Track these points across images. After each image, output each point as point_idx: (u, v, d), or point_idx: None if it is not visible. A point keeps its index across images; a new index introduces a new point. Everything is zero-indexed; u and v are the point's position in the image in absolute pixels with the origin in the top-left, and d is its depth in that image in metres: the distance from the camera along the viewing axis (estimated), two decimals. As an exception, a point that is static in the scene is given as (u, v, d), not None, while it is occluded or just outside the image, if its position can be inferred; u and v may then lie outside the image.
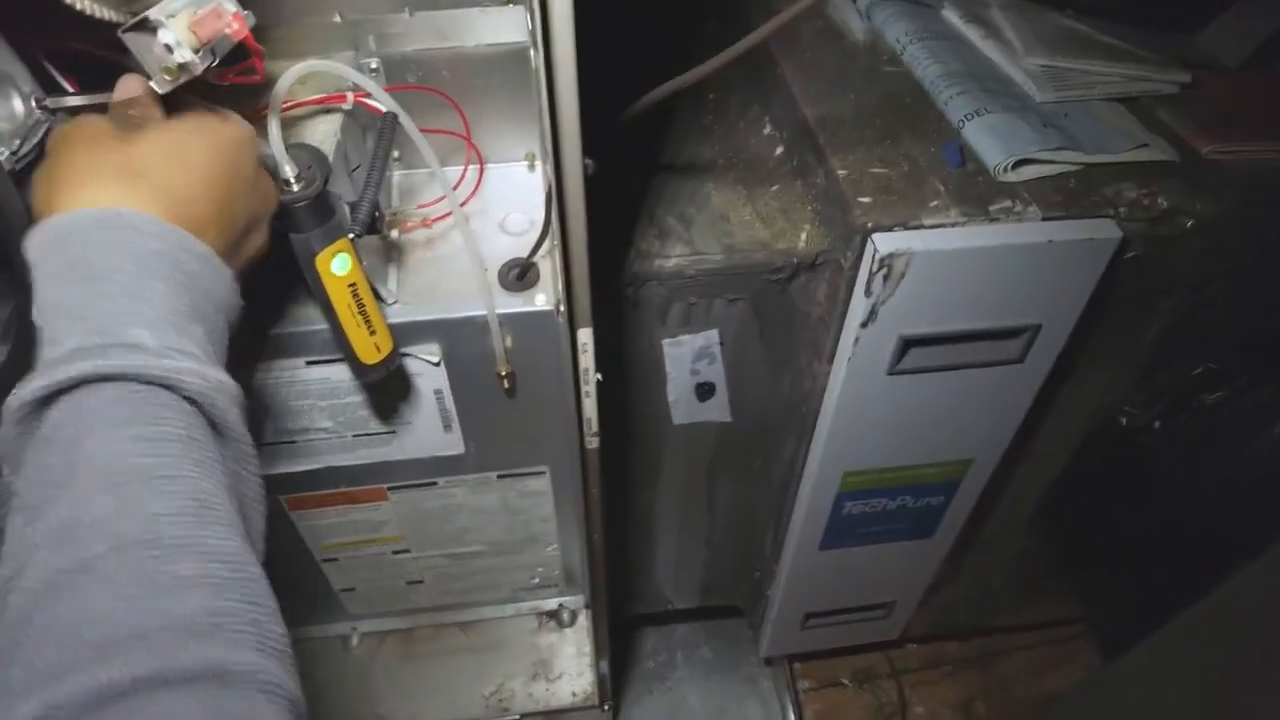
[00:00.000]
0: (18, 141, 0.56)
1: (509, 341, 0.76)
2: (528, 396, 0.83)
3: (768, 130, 1.04)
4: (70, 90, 0.58)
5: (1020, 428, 1.00)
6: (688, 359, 0.98)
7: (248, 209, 0.55)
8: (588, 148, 0.61)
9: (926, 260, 0.78)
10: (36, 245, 0.45)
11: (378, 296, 0.70)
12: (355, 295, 0.65)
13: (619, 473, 1.12)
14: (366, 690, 1.15)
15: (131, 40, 0.48)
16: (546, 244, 0.76)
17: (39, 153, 0.58)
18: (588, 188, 0.63)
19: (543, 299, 0.74)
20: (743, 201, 0.94)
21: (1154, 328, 0.97)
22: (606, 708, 1.21)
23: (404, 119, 0.66)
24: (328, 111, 0.71)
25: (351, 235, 0.64)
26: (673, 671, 1.62)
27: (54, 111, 0.57)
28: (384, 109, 0.67)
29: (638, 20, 1.13)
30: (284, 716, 0.38)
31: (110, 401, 0.41)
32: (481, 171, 0.84)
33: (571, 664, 1.17)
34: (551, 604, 1.21)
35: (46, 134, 0.57)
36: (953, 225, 0.80)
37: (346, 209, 0.64)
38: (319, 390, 0.79)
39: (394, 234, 0.77)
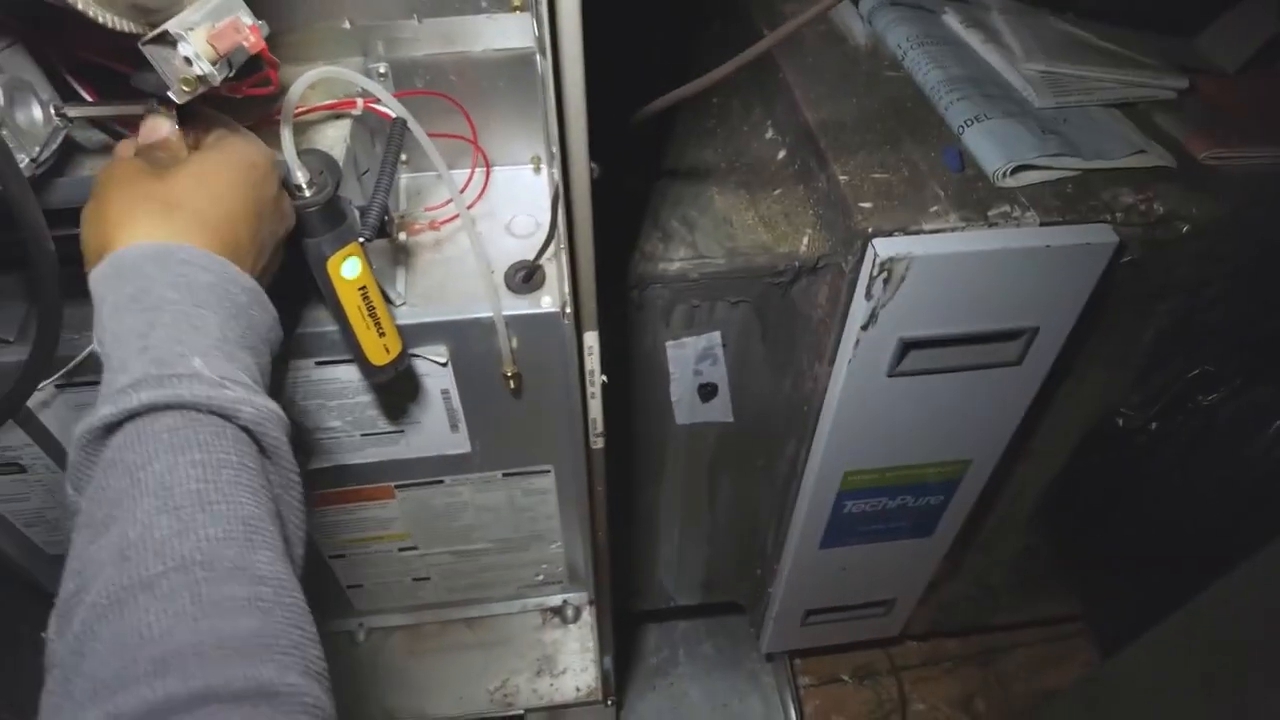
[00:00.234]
0: (38, 148, 0.57)
1: (515, 342, 0.77)
2: (533, 396, 0.84)
3: (770, 134, 1.05)
4: (88, 99, 0.59)
5: (1018, 428, 1.02)
6: (691, 360, 1.00)
7: (273, 231, 0.57)
8: (593, 152, 0.62)
9: (926, 264, 0.79)
10: (99, 279, 0.48)
11: (386, 298, 0.71)
12: (365, 298, 0.66)
13: (623, 472, 1.13)
14: (373, 685, 1.16)
15: (152, 53, 0.50)
16: (552, 247, 0.77)
17: (57, 159, 0.60)
18: (593, 192, 0.64)
19: (548, 301, 0.76)
20: (745, 205, 0.95)
21: (1151, 330, 0.98)
22: (610, 703, 1.22)
23: (413, 125, 0.67)
24: (337, 117, 0.72)
25: (361, 239, 0.65)
26: (675, 667, 1.64)
27: (72, 119, 0.59)
28: (393, 114, 0.68)
29: (640, 22, 1.14)
30: None
31: (170, 428, 0.43)
32: (488, 174, 0.85)
33: (575, 660, 1.19)
34: (555, 600, 1.22)
35: (64, 140, 0.59)
36: (952, 230, 0.81)
37: (356, 213, 0.66)
38: (329, 390, 0.80)
39: (402, 236, 0.78)
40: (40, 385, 0.64)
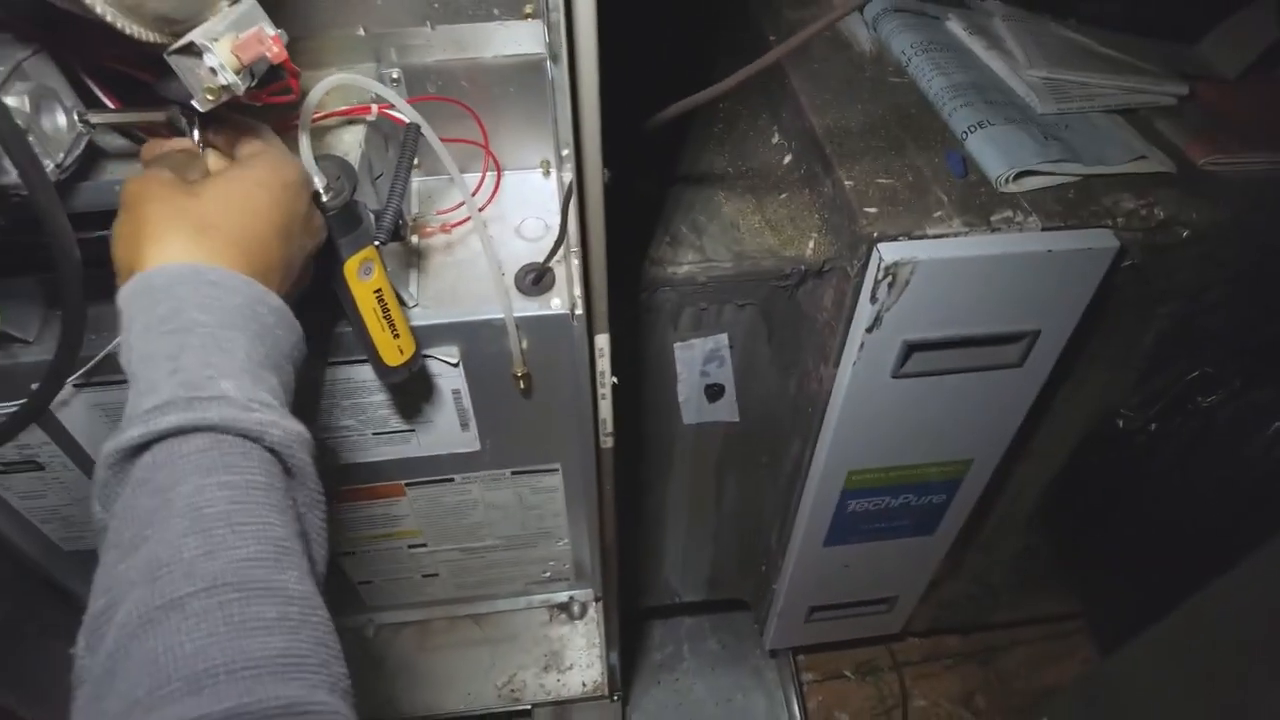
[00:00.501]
0: (62, 154, 0.58)
1: (525, 343, 0.78)
2: (542, 396, 0.85)
3: (776, 139, 1.06)
4: (110, 105, 0.60)
5: (1019, 429, 1.03)
6: (698, 361, 1.01)
7: (302, 247, 0.58)
8: (604, 158, 0.63)
9: (930, 269, 0.80)
10: (128, 297, 0.48)
11: (400, 300, 0.72)
12: (380, 300, 0.67)
13: (630, 470, 1.14)
14: (383, 681, 1.18)
15: (177, 63, 0.51)
16: (561, 249, 0.78)
17: (80, 164, 0.61)
18: (605, 197, 0.65)
19: (558, 303, 0.77)
20: (752, 209, 0.96)
21: (1151, 333, 0.99)
22: (615, 698, 1.24)
23: (427, 130, 0.68)
24: (351, 122, 0.73)
25: (377, 243, 0.66)
26: (680, 663, 1.65)
27: (94, 126, 0.60)
28: (407, 120, 0.69)
29: (648, 29, 1.15)
30: None
31: (199, 450, 0.44)
32: (499, 178, 0.87)
33: (582, 655, 1.20)
34: (562, 597, 1.23)
35: (87, 146, 0.60)
36: (955, 235, 0.82)
37: (372, 217, 0.67)
38: (342, 390, 0.82)
39: (414, 240, 0.79)
40: (61, 385, 0.65)
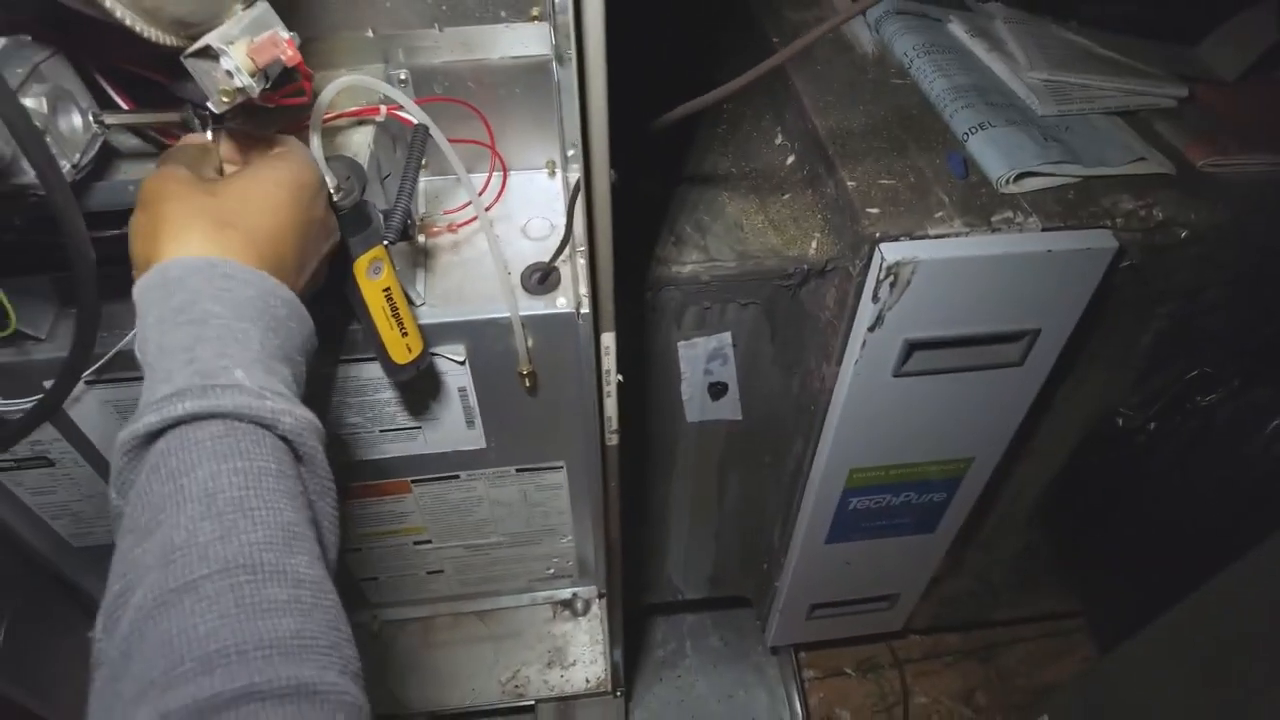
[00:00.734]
0: (78, 154, 0.59)
1: (531, 342, 0.79)
2: (547, 394, 0.86)
3: (779, 140, 1.07)
4: (125, 107, 0.61)
5: (1020, 428, 1.03)
6: (702, 360, 1.01)
7: (317, 247, 0.59)
8: (611, 159, 0.63)
9: (931, 269, 0.81)
10: (144, 289, 0.49)
11: (408, 299, 0.73)
12: (389, 299, 0.68)
13: (634, 468, 1.15)
14: (387, 677, 1.19)
15: (194, 65, 0.52)
16: (567, 249, 0.79)
17: (95, 164, 0.62)
18: (612, 199, 0.66)
19: (563, 301, 0.78)
20: (755, 209, 0.97)
21: (1150, 333, 0.99)
22: (618, 694, 1.24)
23: (434, 131, 0.69)
24: (361, 123, 0.74)
25: (386, 242, 0.67)
26: (682, 660, 1.65)
27: (109, 126, 0.61)
28: (415, 121, 0.70)
29: (651, 31, 1.16)
30: None
31: (213, 437, 0.45)
32: (505, 178, 0.87)
33: (585, 652, 1.21)
34: (566, 594, 1.24)
35: (102, 147, 0.61)
36: (956, 235, 0.83)
37: (381, 217, 0.68)
38: (350, 387, 0.83)
39: (422, 239, 0.80)
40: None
